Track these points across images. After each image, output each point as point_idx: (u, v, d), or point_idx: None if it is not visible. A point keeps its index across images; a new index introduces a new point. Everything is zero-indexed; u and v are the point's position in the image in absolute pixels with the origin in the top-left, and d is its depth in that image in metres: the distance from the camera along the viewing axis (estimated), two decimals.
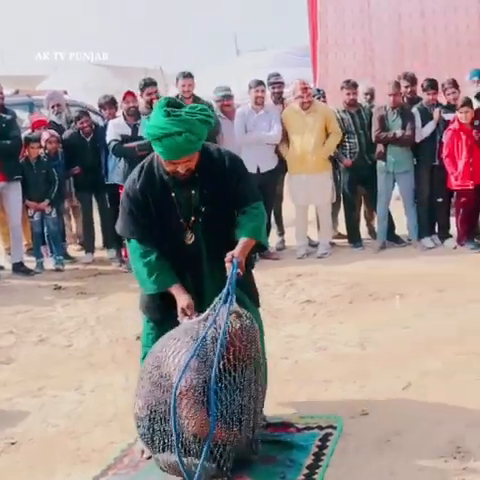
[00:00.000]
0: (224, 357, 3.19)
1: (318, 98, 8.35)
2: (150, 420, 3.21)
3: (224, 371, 3.17)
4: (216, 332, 3.18)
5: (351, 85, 7.93)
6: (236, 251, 3.35)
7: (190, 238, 3.56)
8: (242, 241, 3.42)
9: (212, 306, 3.27)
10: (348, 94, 7.88)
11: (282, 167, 7.95)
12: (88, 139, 8.02)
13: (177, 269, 3.52)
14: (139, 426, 3.29)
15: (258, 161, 7.63)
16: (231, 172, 3.54)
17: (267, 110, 7.85)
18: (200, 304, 3.42)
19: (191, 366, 3.11)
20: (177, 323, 3.41)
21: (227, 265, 3.32)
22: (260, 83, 7.90)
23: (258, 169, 7.56)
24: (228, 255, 3.34)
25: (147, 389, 3.25)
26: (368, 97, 8.63)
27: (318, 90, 8.92)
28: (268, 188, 7.62)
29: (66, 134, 8.15)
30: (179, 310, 3.38)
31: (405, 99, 7.94)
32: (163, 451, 3.19)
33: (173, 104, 3.36)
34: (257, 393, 3.32)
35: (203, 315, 3.29)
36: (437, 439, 3.48)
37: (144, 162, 3.58)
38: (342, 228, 8.40)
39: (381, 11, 12.20)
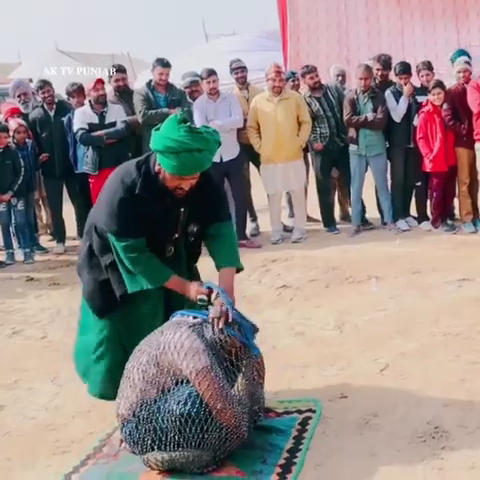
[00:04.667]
0: (226, 359, 3.23)
1: (292, 81, 8.28)
2: (141, 420, 3.17)
3: (229, 372, 3.21)
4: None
5: (310, 69, 7.86)
6: (227, 288, 3.47)
7: (169, 251, 3.62)
8: (225, 275, 3.57)
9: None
10: (311, 78, 7.82)
11: (245, 154, 7.80)
12: (52, 113, 7.86)
13: None
14: (124, 426, 3.25)
15: (221, 150, 7.42)
16: (213, 190, 3.64)
17: (224, 96, 7.60)
18: (168, 310, 3.59)
19: (201, 349, 3.13)
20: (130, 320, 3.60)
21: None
22: (211, 73, 7.53)
23: (221, 159, 7.21)
24: (216, 292, 3.40)
25: (138, 388, 3.20)
26: (340, 78, 8.59)
27: (293, 73, 8.79)
28: (233, 177, 7.57)
29: (32, 114, 8.00)
30: (193, 295, 3.43)
31: (376, 82, 7.83)
32: (152, 450, 3.16)
33: (184, 121, 3.34)
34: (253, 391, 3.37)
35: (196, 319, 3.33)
36: (415, 420, 3.50)
37: (139, 163, 3.47)
38: (310, 211, 8.35)
39: None
